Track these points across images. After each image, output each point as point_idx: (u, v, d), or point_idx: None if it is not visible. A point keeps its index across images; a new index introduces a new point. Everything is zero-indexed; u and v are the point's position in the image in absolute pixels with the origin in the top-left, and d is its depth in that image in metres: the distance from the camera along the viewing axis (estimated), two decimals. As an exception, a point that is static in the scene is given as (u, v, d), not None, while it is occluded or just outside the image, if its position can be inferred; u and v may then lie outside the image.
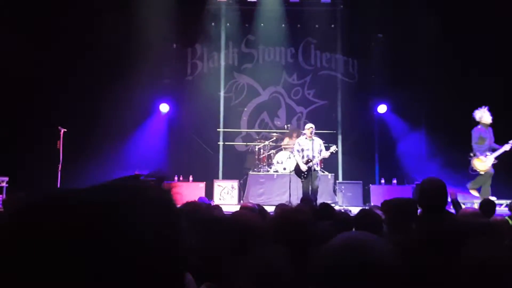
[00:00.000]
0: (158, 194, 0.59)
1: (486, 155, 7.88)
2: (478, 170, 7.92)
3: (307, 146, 7.86)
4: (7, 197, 5.54)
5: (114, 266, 0.49)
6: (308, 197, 6.46)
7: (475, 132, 8.00)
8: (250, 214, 2.09)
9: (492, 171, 7.91)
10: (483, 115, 7.97)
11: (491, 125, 8.02)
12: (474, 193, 8.05)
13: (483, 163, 7.88)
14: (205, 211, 2.86)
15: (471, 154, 7.99)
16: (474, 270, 1.54)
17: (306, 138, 7.94)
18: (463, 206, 7.76)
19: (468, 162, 8.08)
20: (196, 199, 5.51)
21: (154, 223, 0.55)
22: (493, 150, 7.91)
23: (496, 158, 7.87)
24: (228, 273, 1.48)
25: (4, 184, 7.59)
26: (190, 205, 2.68)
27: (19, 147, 8.54)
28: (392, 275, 0.86)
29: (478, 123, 8.06)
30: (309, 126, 7.94)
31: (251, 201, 7.41)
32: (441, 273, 2.02)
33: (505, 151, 7.83)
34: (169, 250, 0.55)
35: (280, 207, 3.77)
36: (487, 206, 4.49)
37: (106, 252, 0.49)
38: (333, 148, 7.83)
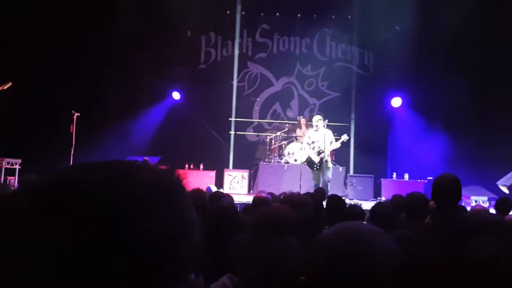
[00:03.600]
0: (172, 180, 0.58)
1: None
2: None
3: (317, 138, 7.80)
4: (22, 177, 5.61)
5: (129, 248, 0.49)
6: (322, 189, 6.40)
7: None
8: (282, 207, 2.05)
9: None
10: None
11: None
12: (504, 189, 7.86)
13: None
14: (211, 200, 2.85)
15: None
16: (482, 267, 1.49)
17: (315, 130, 7.87)
18: (474, 204, 7.68)
19: (495, 159, 7.84)
20: (205, 188, 5.53)
21: (169, 206, 0.55)
22: None
23: None
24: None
25: (17, 167, 7.68)
26: (195, 192, 2.67)
27: (33, 131, 8.63)
28: (392, 268, 0.81)
29: None
30: (318, 117, 7.87)
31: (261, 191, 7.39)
32: (451, 268, 1.97)
33: None
34: (183, 235, 0.54)
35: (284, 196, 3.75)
36: (503, 204, 4.41)
37: (122, 234, 0.49)
38: (344, 137, 7.76)
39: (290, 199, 2.36)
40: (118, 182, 0.52)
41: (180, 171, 0.60)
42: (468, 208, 4.22)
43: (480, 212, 3.59)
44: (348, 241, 0.83)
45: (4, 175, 7.42)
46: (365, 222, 2.73)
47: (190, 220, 0.56)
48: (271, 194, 4.19)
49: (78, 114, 8.15)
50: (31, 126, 8.65)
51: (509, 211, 4.33)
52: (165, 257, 0.52)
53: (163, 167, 0.60)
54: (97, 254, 0.48)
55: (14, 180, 7.49)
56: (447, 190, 2.83)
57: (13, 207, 0.51)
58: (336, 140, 7.86)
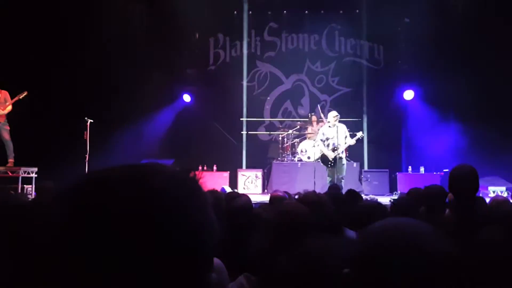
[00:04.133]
0: (192, 179, 0.61)
1: None
2: None
3: (331, 134, 7.74)
4: (40, 185, 5.70)
5: (151, 244, 0.51)
6: (336, 185, 6.35)
7: None
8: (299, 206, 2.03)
9: None
10: None
11: None
12: None
13: None
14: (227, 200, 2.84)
15: None
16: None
17: (329, 126, 7.82)
18: (493, 195, 7.54)
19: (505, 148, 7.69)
20: (219, 189, 5.53)
21: (194, 203, 0.58)
22: None
23: None
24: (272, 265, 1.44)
25: (33, 175, 7.78)
26: (212, 193, 2.66)
27: (48, 139, 8.73)
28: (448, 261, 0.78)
29: None
30: (334, 114, 7.80)
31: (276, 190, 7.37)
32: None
33: None
34: (199, 233, 0.56)
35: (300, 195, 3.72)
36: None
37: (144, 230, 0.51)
38: (359, 134, 7.70)
39: (306, 199, 2.33)
40: (147, 181, 0.55)
41: (197, 172, 0.63)
42: (487, 200, 4.14)
43: (502, 202, 3.52)
44: (399, 234, 0.81)
45: (21, 183, 7.52)
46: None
47: (211, 216, 0.59)
48: (287, 193, 4.17)
49: (92, 120, 8.24)
50: (46, 135, 8.75)
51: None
52: (196, 252, 0.54)
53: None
54: (134, 250, 0.50)
55: (31, 188, 7.59)
56: (465, 181, 2.78)
57: (46, 214, 0.54)
58: (351, 136, 7.80)
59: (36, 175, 7.79)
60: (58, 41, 9.02)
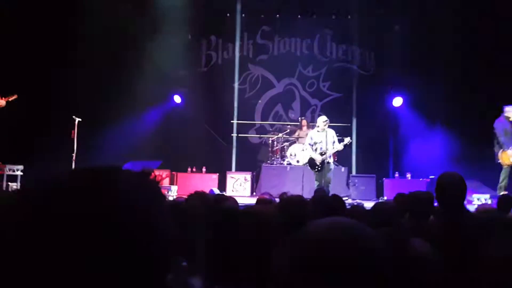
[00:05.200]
0: (151, 180, 0.61)
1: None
2: (503, 164, 7.62)
3: (319, 139, 7.76)
4: (23, 184, 5.64)
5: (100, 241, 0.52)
6: (322, 189, 6.38)
7: (499, 125, 7.63)
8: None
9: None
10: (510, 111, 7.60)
11: None
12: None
13: (510, 157, 7.57)
14: (213, 202, 2.83)
15: (496, 148, 7.64)
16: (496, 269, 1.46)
17: (318, 131, 7.84)
18: (478, 202, 7.61)
19: (489, 156, 7.80)
20: (208, 191, 5.51)
21: (152, 203, 0.58)
22: None
23: None
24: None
25: (19, 173, 7.68)
26: (196, 195, 2.64)
27: (34, 137, 8.62)
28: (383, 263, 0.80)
29: (499, 115, 7.69)
30: (324, 119, 7.82)
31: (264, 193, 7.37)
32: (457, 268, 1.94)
33: None
34: (156, 235, 0.56)
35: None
36: (505, 202, 4.33)
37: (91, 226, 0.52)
38: (347, 140, 7.73)
39: (287, 201, 2.34)
40: (106, 182, 0.56)
41: (156, 175, 0.63)
42: (472, 208, 4.16)
43: (488, 211, 3.55)
44: (335, 232, 0.82)
45: (6, 181, 7.42)
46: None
47: (168, 219, 0.60)
48: (273, 196, 4.16)
49: (80, 119, 8.16)
50: (32, 132, 8.64)
51: (510, 208, 4.26)
52: (153, 254, 0.55)
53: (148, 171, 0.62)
54: (90, 253, 0.51)
55: (16, 187, 7.48)
56: (453, 189, 2.78)
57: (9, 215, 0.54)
58: (339, 141, 7.83)
59: (21, 173, 7.69)
60: (46, 39, 8.92)
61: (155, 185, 0.61)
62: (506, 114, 7.61)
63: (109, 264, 0.51)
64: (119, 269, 0.52)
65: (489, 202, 7.24)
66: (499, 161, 7.62)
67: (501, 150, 7.55)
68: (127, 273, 0.53)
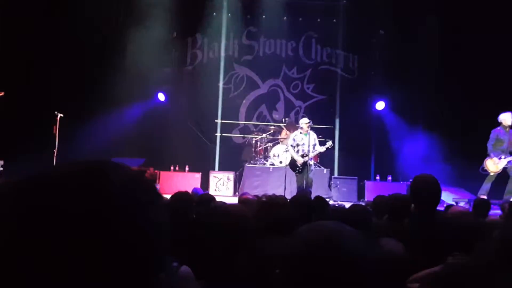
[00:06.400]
0: (145, 178, 0.60)
1: (501, 157, 7.71)
2: (488, 171, 7.82)
3: (302, 141, 7.83)
4: (2, 179, 5.56)
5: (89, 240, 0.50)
6: (304, 190, 6.45)
7: (493, 133, 7.79)
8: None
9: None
10: (505, 118, 7.79)
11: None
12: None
13: (495, 164, 7.76)
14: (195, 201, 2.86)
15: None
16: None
17: (301, 132, 7.91)
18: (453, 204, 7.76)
19: (476, 161, 7.95)
20: (190, 190, 5.52)
21: (147, 201, 0.56)
22: (511, 154, 7.73)
23: (511, 162, 7.68)
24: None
25: (-1, 168, 7.57)
26: (179, 195, 2.67)
27: (15, 132, 8.49)
28: (362, 263, 0.85)
29: (499, 124, 7.86)
30: (306, 121, 7.90)
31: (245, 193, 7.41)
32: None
33: None
34: (151, 233, 0.54)
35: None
36: (481, 206, 4.43)
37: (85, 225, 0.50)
38: (328, 144, 7.81)
39: (265, 202, 2.39)
40: (100, 177, 0.54)
41: (151, 172, 0.62)
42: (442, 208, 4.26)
43: (461, 213, 3.65)
44: (322, 237, 0.86)
45: (-14, 176, 7.30)
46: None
47: (165, 217, 0.58)
48: (256, 196, 4.22)
49: (62, 115, 8.07)
50: (13, 128, 8.51)
51: (487, 213, 4.39)
52: (147, 252, 0.53)
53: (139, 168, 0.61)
54: (82, 250, 0.49)
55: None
56: (426, 191, 2.83)
57: None
58: (321, 144, 7.92)
59: (1, 168, 7.58)
60: (29, 35, 8.79)
61: (149, 183, 0.59)
62: (501, 122, 7.76)
63: (97, 263, 0.49)
64: (109, 268, 0.50)
65: (462, 204, 7.40)
66: (484, 168, 7.79)
67: (488, 157, 7.75)
68: (119, 273, 0.51)
